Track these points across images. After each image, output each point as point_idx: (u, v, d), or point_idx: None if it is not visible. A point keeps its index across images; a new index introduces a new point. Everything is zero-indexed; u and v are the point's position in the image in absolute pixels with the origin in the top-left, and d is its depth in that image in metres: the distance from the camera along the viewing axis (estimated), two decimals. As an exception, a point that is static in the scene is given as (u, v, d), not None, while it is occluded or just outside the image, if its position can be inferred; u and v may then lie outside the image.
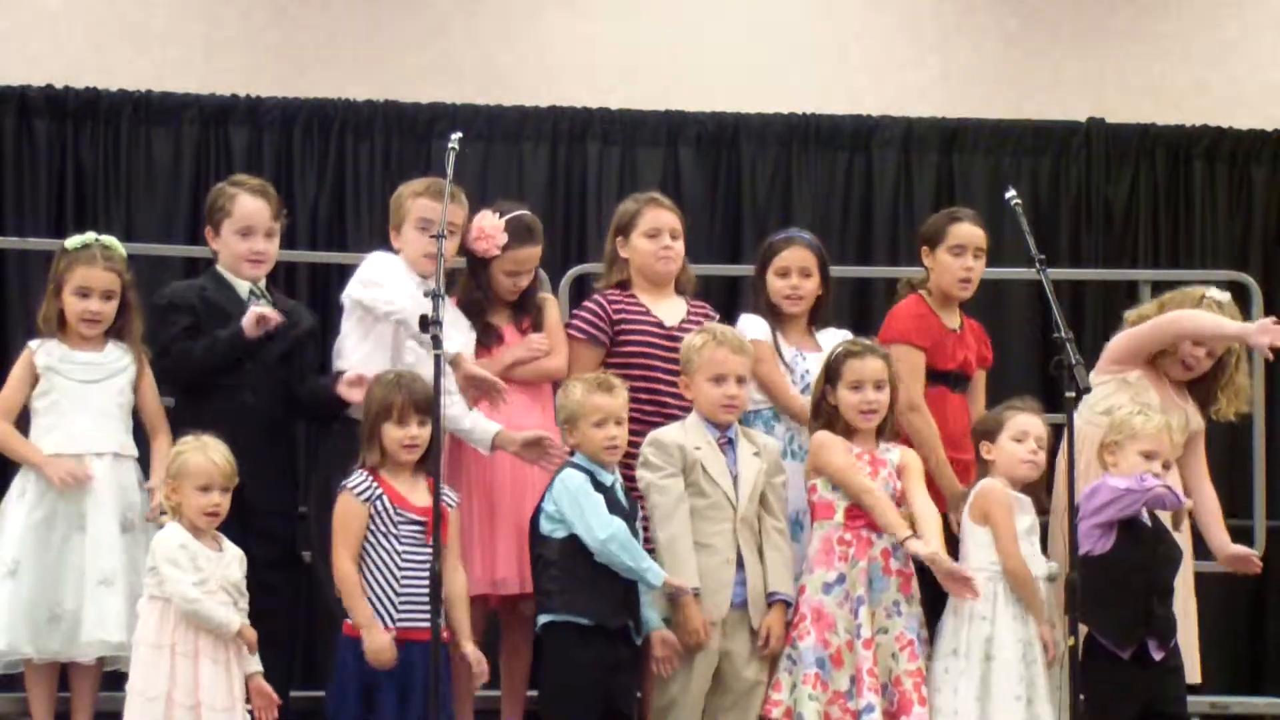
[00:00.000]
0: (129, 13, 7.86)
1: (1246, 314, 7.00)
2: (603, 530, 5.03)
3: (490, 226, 5.60)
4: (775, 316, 5.74)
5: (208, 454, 5.01)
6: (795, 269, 5.71)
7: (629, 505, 5.18)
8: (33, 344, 5.41)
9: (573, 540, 5.07)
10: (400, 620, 5.02)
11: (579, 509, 5.06)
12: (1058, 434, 5.46)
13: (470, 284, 5.68)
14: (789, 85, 8.13)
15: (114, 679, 5.55)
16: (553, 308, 5.78)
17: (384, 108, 7.79)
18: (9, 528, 5.29)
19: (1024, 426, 5.41)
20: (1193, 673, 5.58)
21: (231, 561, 5.03)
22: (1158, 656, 5.22)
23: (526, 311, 5.68)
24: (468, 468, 5.50)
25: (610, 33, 8.14)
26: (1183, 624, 5.42)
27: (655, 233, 5.73)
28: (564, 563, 5.07)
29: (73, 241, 5.46)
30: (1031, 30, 8.36)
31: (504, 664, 5.53)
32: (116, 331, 5.43)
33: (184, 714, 4.87)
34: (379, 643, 4.95)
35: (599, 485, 5.12)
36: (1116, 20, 8.40)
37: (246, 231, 5.54)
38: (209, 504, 4.99)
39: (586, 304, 5.77)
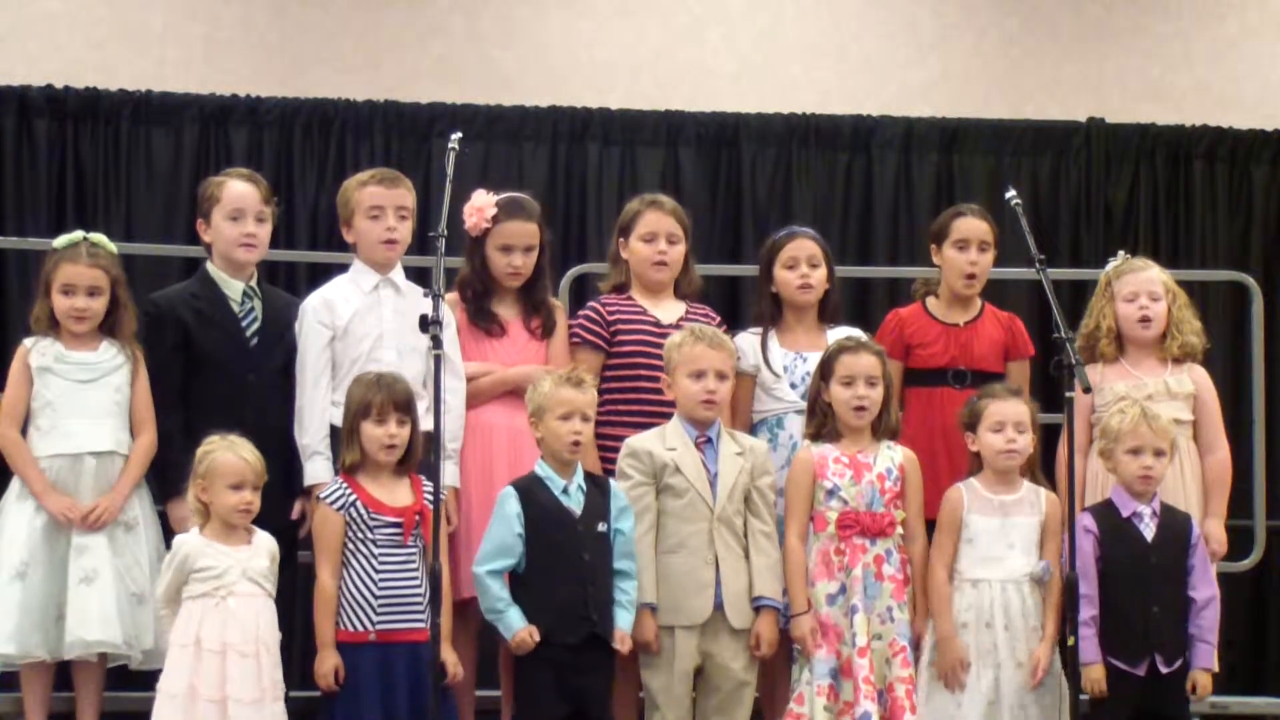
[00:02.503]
0: (129, 13, 7.87)
1: (1246, 314, 7.04)
2: (479, 563, 5.06)
3: (480, 201, 5.61)
4: (781, 315, 5.74)
5: (237, 452, 5.00)
6: (803, 259, 5.70)
7: (585, 509, 5.10)
8: (27, 342, 5.39)
9: (525, 555, 5.06)
10: (380, 624, 5.03)
11: (488, 532, 5.10)
12: (1057, 434, 5.46)
13: (467, 265, 5.68)
14: (789, 85, 8.14)
15: (120, 678, 5.56)
16: (561, 319, 5.75)
17: (384, 108, 7.80)
18: (13, 530, 5.28)
19: (999, 415, 5.32)
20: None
21: (259, 552, 5.03)
22: (1165, 671, 5.22)
23: (535, 311, 5.66)
24: (468, 469, 5.49)
25: (610, 33, 8.15)
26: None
27: (651, 237, 5.70)
28: (521, 577, 5.06)
29: (61, 240, 5.46)
30: (1031, 30, 8.37)
31: (503, 664, 5.52)
32: (109, 329, 5.42)
33: (210, 709, 4.88)
34: (325, 665, 5.00)
35: (543, 494, 5.08)
36: (1116, 20, 8.41)
37: (237, 215, 5.52)
38: (240, 502, 4.98)
39: (583, 311, 5.75)
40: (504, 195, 5.65)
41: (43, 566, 5.24)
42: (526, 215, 5.62)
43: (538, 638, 4.98)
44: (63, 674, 5.42)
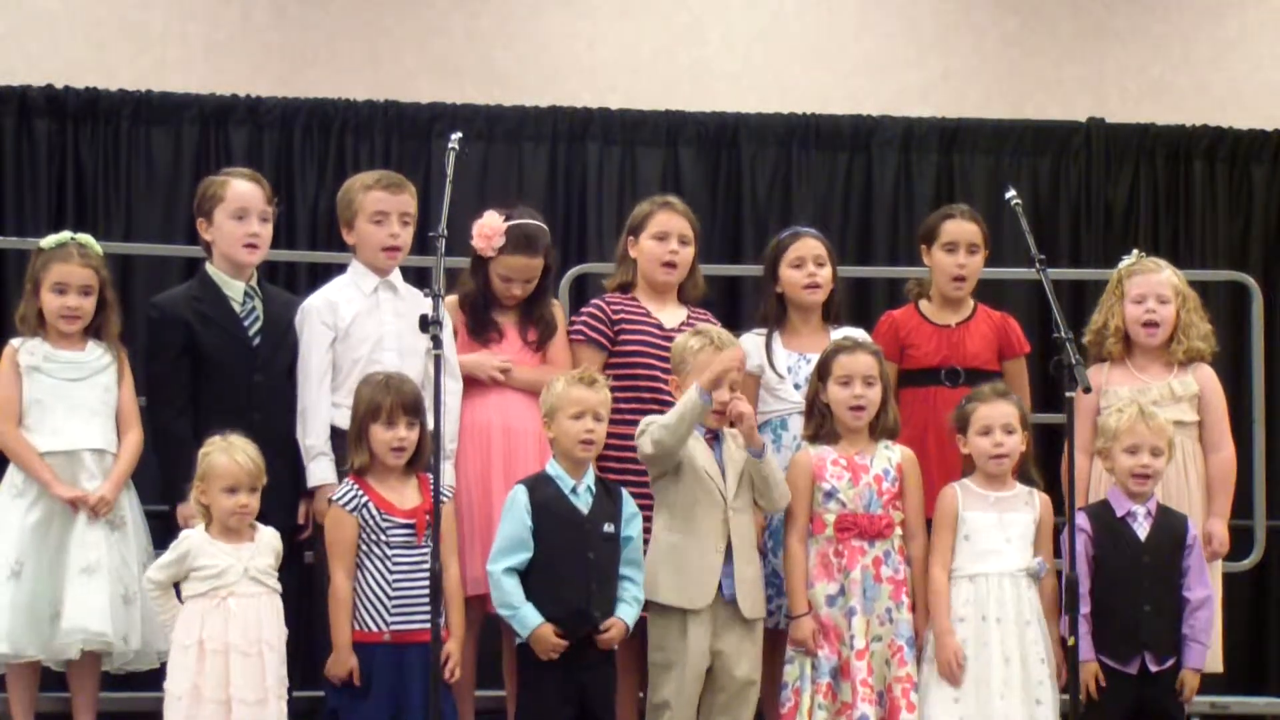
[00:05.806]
0: (129, 13, 7.87)
1: (1246, 314, 7.04)
2: (493, 560, 5.08)
3: (490, 226, 5.59)
4: (785, 316, 5.73)
5: (232, 455, 5.00)
6: (810, 258, 5.71)
7: (593, 509, 5.12)
8: (14, 342, 5.39)
9: (533, 550, 5.08)
10: (394, 624, 5.05)
11: (500, 529, 5.11)
12: (1058, 434, 5.47)
13: (470, 280, 5.67)
14: (789, 85, 8.14)
15: (117, 678, 5.55)
16: (560, 320, 5.74)
17: (384, 108, 7.80)
18: (6, 528, 5.27)
19: (985, 420, 5.33)
20: (1214, 662, 5.57)
21: (262, 549, 5.04)
22: (1155, 670, 5.25)
23: (533, 321, 5.65)
24: (465, 469, 5.50)
25: (610, 33, 8.15)
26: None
27: (663, 236, 5.72)
28: (525, 572, 5.06)
29: (49, 240, 5.45)
30: (1031, 30, 8.36)
31: (506, 664, 5.53)
32: (95, 330, 5.42)
33: (215, 709, 4.89)
34: (342, 667, 5.02)
35: (550, 491, 5.09)
36: (1116, 20, 8.40)
37: (241, 214, 5.49)
38: (236, 505, 4.99)
39: (586, 308, 5.77)
40: (514, 223, 5.60)
41: (36, 565, 5.24)
42: (532, 251, 5.60)
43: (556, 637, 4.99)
44: (53, 674, 5.43)
